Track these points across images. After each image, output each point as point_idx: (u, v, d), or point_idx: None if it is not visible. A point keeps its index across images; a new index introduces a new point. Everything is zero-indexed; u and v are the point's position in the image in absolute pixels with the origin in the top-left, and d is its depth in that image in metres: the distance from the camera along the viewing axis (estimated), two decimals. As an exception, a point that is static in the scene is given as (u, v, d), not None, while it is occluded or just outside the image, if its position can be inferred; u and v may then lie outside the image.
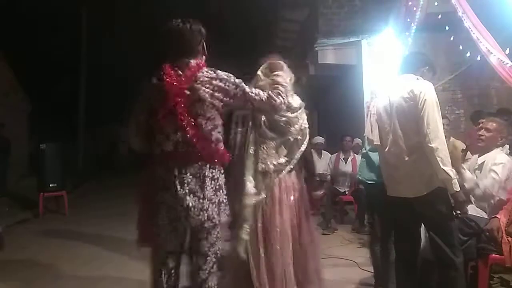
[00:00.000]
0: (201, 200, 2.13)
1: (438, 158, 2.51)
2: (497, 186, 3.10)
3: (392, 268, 3.14)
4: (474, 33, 3.74)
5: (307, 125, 2.78)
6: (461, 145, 4.29)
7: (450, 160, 2.62)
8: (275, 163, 2.68)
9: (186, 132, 2.12)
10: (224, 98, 2.19)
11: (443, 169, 2.51)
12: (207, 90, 2.14)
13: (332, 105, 10.18)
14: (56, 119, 11.64)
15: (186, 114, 2.13)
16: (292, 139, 2.71)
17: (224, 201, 2.22)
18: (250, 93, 2.26)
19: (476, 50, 3.89)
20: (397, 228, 2.90)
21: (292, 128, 2.70)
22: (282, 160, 2.70)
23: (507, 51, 3.71)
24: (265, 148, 2.70)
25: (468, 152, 3.69)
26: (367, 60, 6.87)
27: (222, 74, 2.21)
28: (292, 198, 2.68)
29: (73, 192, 9.41)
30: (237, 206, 2.59)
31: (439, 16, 4.40)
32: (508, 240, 2.91)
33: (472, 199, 3.33)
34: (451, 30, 4.23)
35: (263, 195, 2.62)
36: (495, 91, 6.38)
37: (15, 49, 10.97)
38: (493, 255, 2.98)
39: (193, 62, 2.21)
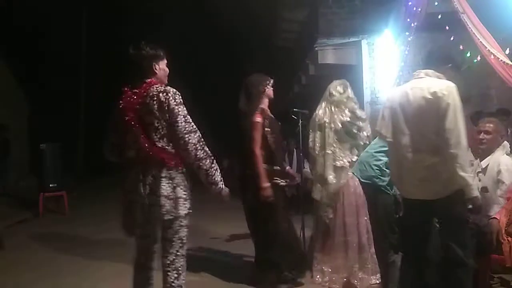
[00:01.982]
0: (158, 198, 2.49)
1: (457, 165, 2.45)
2: (505, 190, 3.13)
3: (391, 269, 3.13)
4: (474, 33, 3.74)
5: (370, 133, 3.60)
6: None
7: (469, 166, 2.57)
8: (350, 160, 3.55)
9: (139, 142, 2.51)
10: (167, 112, 2.47)
11: (461, 175, 2.46)
12: (154, 103, 2.49)
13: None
14: (56, 119, 11.62)
15: (138, 126, 2.51)
16: (362, 143, 3.54)
17: (184, 196, 2.54)
18: (185, 123, 2.49)
19: (476, 50, 3.89)
20: (409, 230, 2.83)
21: (361, 134, 3.55)
22: (355, 158, 3.53)
23: (507, 51, 3.70)
24: (341, 148, 3.56)
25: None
26: (367, 60, 6.87)
27: (171, 91, 2.52)
28: (357, 183, 3.50)
29: (73, 192, 9.41)
30: (317, 193, 3.66)
31: (439, 16, 4.39)
32: (508, 240, 2.91)
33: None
34: (451, 30, 4.22)
35: (342, 182, 3.54)
36: (495, 91, 6.37)
37: (15, 48, 10.95)
38: (493, 255, 2.98)
39: (147, 81, 2.58)
